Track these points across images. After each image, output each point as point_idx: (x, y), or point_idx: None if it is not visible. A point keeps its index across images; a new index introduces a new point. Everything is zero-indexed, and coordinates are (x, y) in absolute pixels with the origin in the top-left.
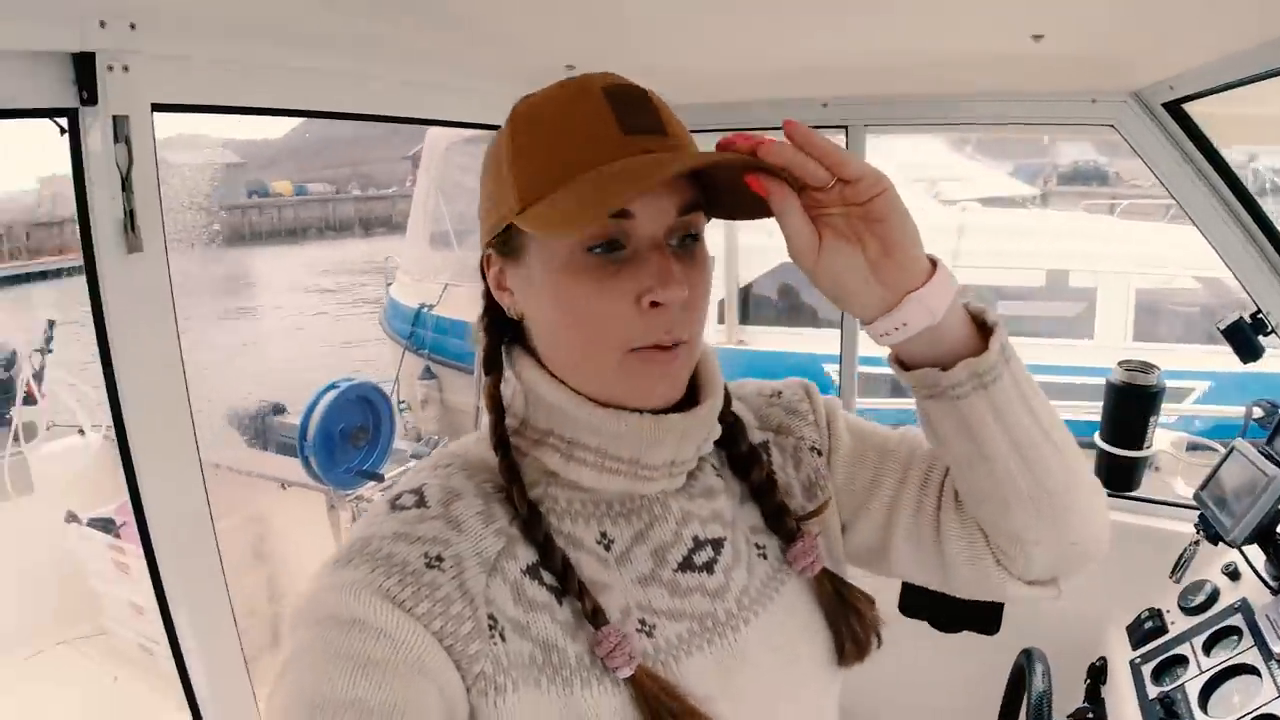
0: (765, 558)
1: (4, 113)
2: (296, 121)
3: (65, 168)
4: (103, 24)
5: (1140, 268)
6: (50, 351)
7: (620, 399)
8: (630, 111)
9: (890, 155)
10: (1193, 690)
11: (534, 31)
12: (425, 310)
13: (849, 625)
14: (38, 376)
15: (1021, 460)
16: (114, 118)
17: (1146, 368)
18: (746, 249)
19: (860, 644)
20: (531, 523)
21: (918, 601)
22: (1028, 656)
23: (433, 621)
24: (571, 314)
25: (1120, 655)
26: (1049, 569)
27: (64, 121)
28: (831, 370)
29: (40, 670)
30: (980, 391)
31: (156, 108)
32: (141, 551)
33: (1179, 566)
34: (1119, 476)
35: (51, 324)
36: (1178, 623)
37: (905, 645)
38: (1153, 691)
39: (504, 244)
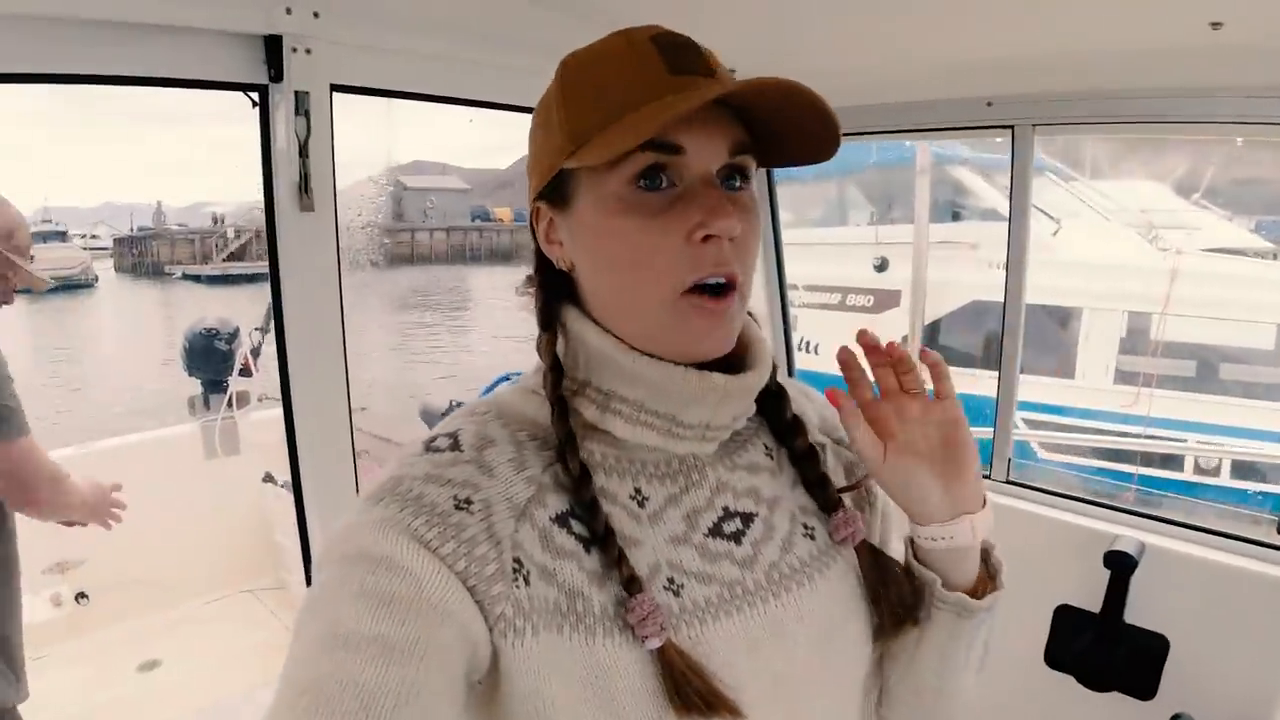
0: (813, 538)
1: (205, 84)
2: (521, 151)
3: None
4: (289, 10)
5: None
6: (268, 330)
7: (668, 345)
8: (678, 55)
9: (1094, 193)
10: None
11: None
12: (523, 375)
13: (887, 597)
14: (255, 352)
15: (968, 661)
16: (296, 93)
17: None
18: (936, 284)
19: (897, 617)
20: (581, 483)
21: (1066, 653)
22: None
23: (457, 562)
24: (622, 252)
25: None
26: None
27: (255, 96)
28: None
29: (222, 613)
30: (985, 613)
31: (335, 88)
32: None
33: None
34: None
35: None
36: None
37: (1048, 699)
38: None
39: (554, 192)
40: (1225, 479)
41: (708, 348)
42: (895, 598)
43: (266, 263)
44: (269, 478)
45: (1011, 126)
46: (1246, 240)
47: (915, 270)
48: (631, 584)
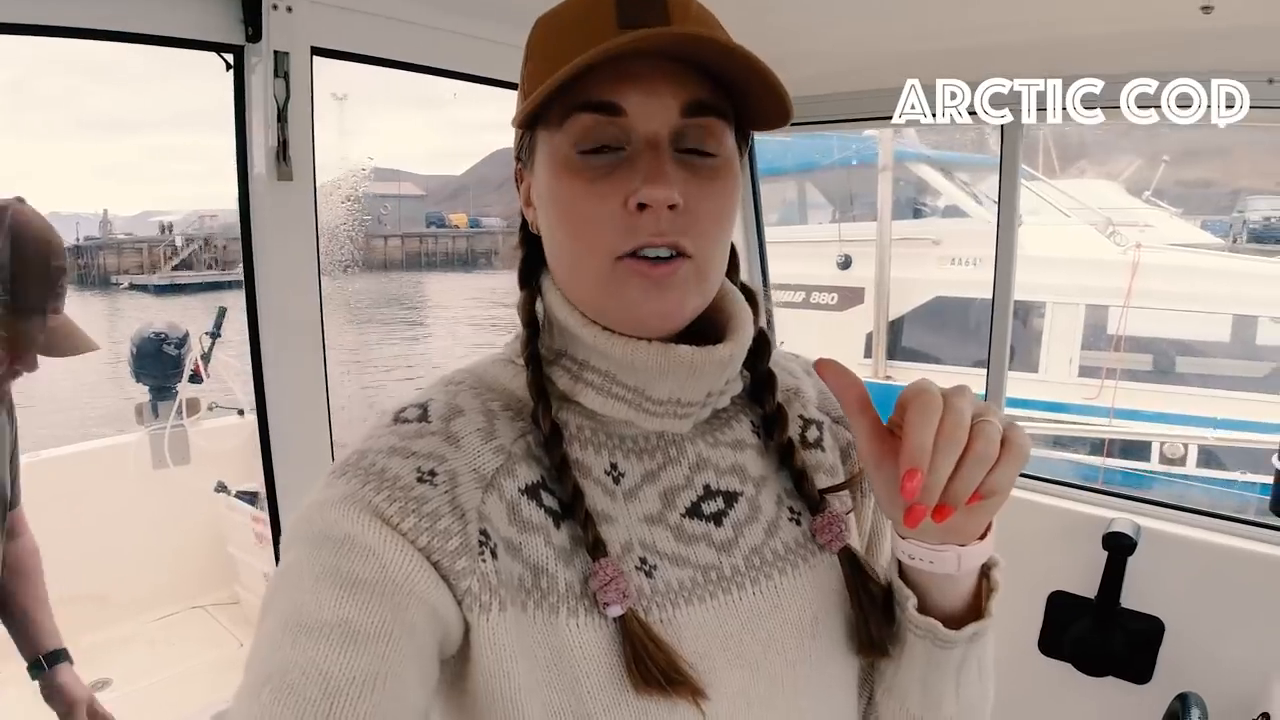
0: (799, 524)
1: (176, 41)
2: (477, 159)
3: None
4: None
5: None
6: (219, 335)
7: (610, 314)
8: (634, 6)
9: (1054, 191)
10: None
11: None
12: (506, 343)
13: (863, 616)
14: (205, 358)
15: (955, 693)
16: (275, 53)
17: None
18: (899, 281)
19: (872, 640)
20: (552, 442)
21: (1060, 641)
22: (1183, 701)
23: (419, 537)
24: (563, 218)
25: None
26: None
27: (229, 58)
28: None
29: (173, 630)
30: (965, 645)
31: (315, 51)
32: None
33: None
34: None
35: (223, 310)
36: None
37: (1044, 687)
38: None
39: (524, 152)
40: (1191, 468)
41: (646, 315)
42: (866, 618)
43: (216, 271)
44: (221, 487)
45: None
46: (1198, 236)
47: (878, 267)
48: (596, 547)
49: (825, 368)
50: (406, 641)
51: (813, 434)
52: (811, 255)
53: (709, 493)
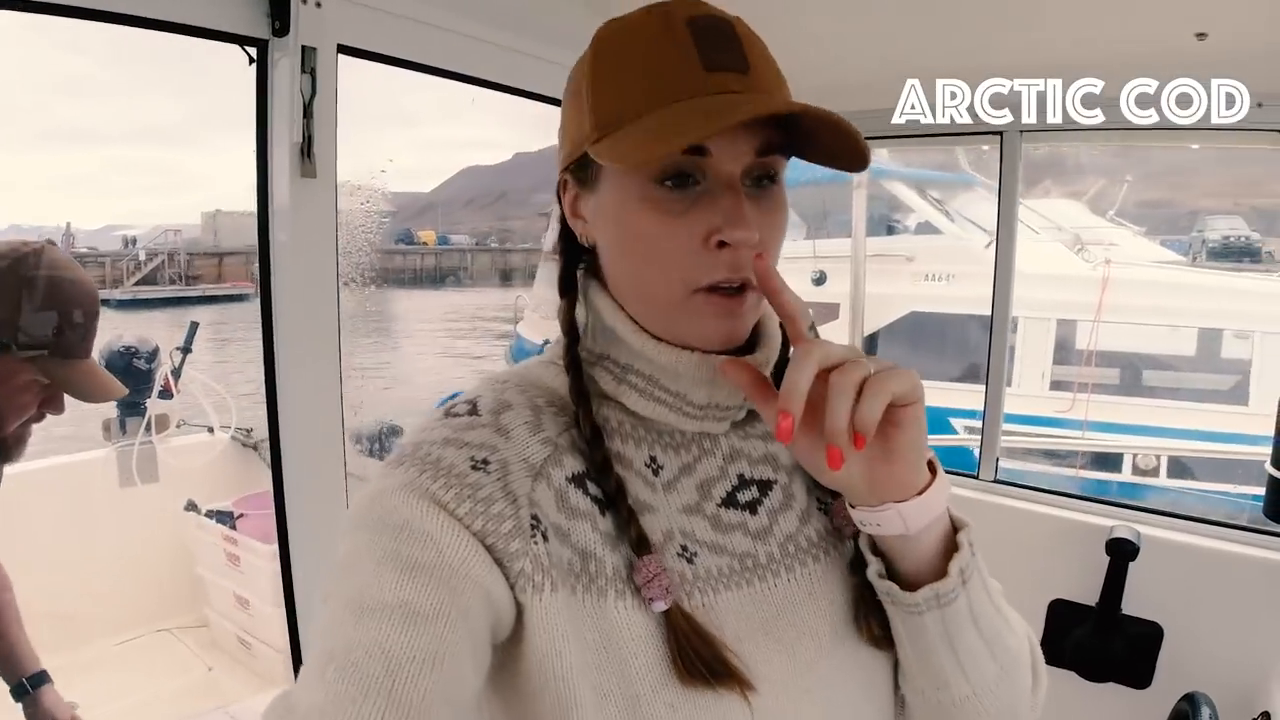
0: (827, 513)
1: (199, 30)
2: (446, 176)
3: (229, 204)
4: None
5: None
6: (190, 350)
7: (681, 337)
8: (714, 46)
9: (1023, 209)
10: None
11: None
12: (548, 345)
13: (867, 604)
14: (176, 373)
15: (960, 670)
16: (303, 48)
17: None
18: (873, 297)
19: (870, 628)
20: (594, 444)
21: (1061, 649)
22: (1191, 701)
23: (474, 521)
24: (639, 248)
25: None
26: None
27: (253, 51)
28: (958, 424)
29: (138, 653)
30: (935, 611)
31: (342, 49)
32: (254, 544)
33: None
34: None
35: (194, 325)
36: None
37: (1048, 695)
38: None
39: (580, 170)
40: (1163, 479)
41: (714, 338)
42: (869, 605)
43: (179, 287)
44: (191, 506)
45: (1000, 133)
46: (1161, 254)
47: (853, 283)
48: (640, 544)
49: (726, 369)
50: (463, 624)
51: None
52: (786, 271)
53: (744, 482)
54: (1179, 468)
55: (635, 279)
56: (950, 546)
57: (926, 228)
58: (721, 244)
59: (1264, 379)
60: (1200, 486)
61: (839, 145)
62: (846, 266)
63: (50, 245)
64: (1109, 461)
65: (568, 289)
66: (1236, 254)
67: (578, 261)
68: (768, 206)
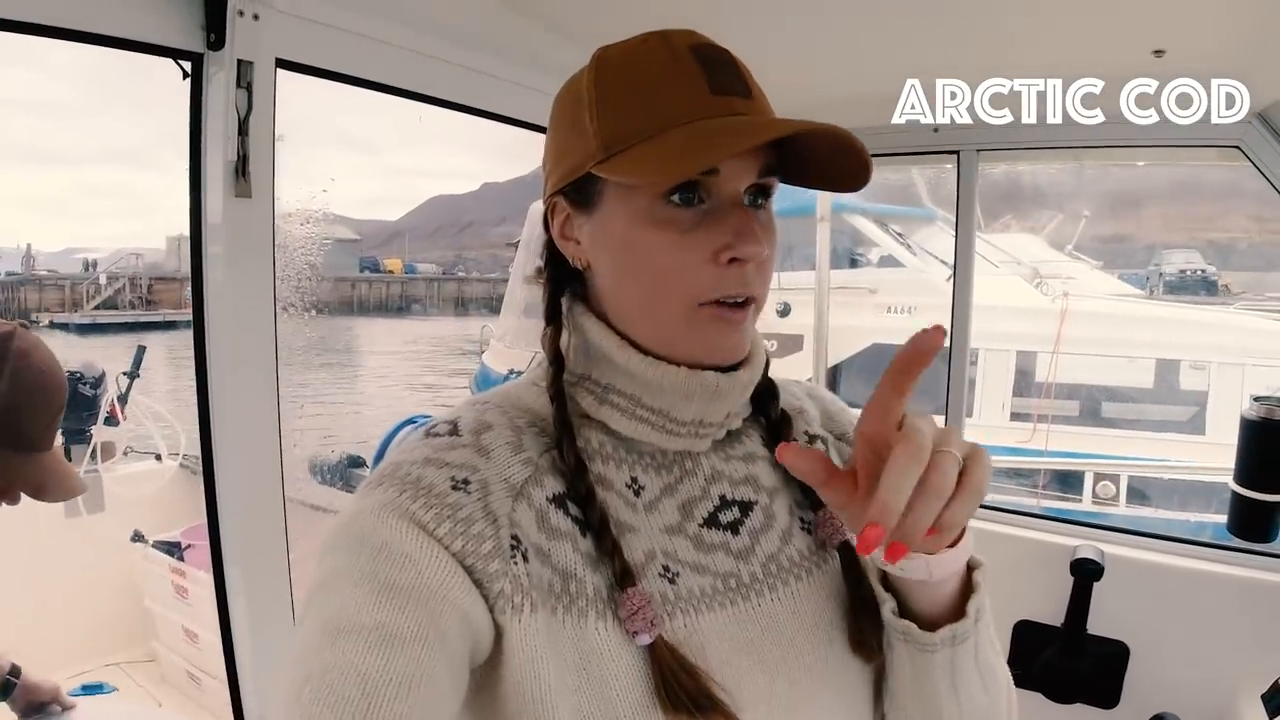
0: (810, 532)
1: (130, 44)
2: (414, 205)
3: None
4: None
5: (1257, 359)
6: (137, 376)
7: (682, 351)
8: (719, 72)
9: (982, 243)
10: None
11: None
12: (514, 376)
13: (856, 614)
14: (122, 399)
15: (955, 702)
16: (239, 62)
17: None
18: (837, 329)
19: (864, 639)
20: (577, 475)
21: (1028, 671)
22: None
23: (454, 542)
24: (648, 263)
25: None
26: None
27: (188, 66)
28: None
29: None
30: (948, 649)
31: (280, 63)
32: (203, 576)
33: None
34: (1253, 524)
35: (141, 349)
36: None
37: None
38: None
39: (577, 192)
40: (1123, 507)
41: (721, 355)
42: (857, 616)
43: (140, 311)
44: (138, 537)
45: (957, 152)
46: (1119, 287)
47: (817, 315)
48: (624, 577)
49: (783, 454)
50: (441, 646)
51: (819, 447)
52: None
53: (725, 502)
54: (1138, 495)
55: (640, 295)
56: (966, 585)
57: (889, 261)
58: (733, 260)
59: (1220, 409)
60: (1160, 515)
61: (838, 166)
62: (810, 298)
63: (22, 328)
64: (1070, 485)
65: (554, 316)
66: (1193, 287)
67: (564, 287)
68: (765, 223)
